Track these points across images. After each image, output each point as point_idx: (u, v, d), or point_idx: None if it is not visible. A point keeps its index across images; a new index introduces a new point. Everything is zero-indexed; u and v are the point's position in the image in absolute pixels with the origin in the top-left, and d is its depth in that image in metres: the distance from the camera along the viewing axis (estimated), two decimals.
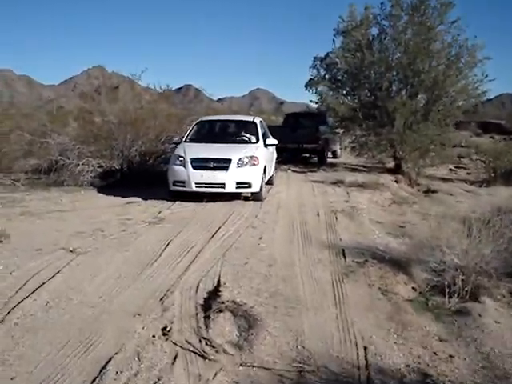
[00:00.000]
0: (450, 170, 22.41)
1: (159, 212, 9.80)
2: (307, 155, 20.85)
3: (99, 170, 13.97)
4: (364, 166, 19.43)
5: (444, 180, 18.58)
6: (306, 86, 19.03)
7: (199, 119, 13.94)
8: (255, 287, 5.70)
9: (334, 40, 17.77)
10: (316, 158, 20.47)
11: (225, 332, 4.63)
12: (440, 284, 6.29)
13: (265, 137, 12.81)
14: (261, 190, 11.24)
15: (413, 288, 6.47)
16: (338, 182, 14.44)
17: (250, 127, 12.86)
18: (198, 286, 5.69)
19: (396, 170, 18.21)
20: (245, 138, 12.53)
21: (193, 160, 10.96)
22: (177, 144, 12.33)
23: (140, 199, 11.26)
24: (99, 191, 12.70)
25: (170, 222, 8.93)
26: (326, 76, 18.76)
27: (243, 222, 9.01)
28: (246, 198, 11.38)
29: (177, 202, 10.81)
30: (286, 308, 5.21)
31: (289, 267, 6.55)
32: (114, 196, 11.81)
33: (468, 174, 21.22)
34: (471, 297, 6.06)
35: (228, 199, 11.12)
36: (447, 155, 17.98)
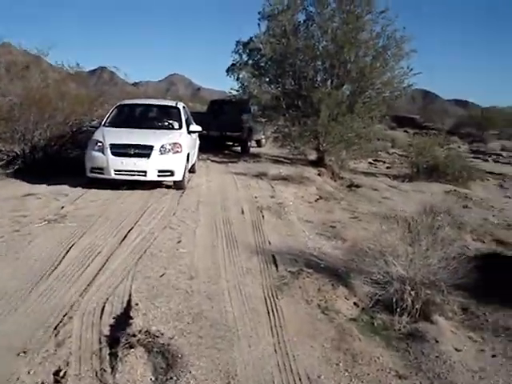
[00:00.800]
0: (370, 163, 22.15)
1: (62, 207, 8.53)
2: (230, 143, 20.25)
3: None
4: (286, 158, 18.69)
5: (366, 174, 18.17)
6: (228, 71, 18.03)
7: (119, 103, 13.06)
8: (175, 309, 4.67)
9: (258, 24, 16.80)
10: (239, 147, 19.94)
11: (136, 376, 3.61)
12: (384, 298, 5.54)
13: (188, 123, 12.31)
14: (183, 178, 10.81)
15: (355, 304, 5.72)
16: (261, 175, 13.56)
17: (173, 113, 12.40)
18: (103, 309, 4.60)
19: (319, 163, 17.57)
20: (167, 123, 12.07)
21: (112, 146, 10.32)
22: (96, 128, 11.54)
23: (42, 191, 9.90)
24: None
25: (75, 219, 7.70)
26: (249, 62, 17.80)
27: (160, 220, 7.92)
28: (167, 187, 10.60)
29: (83, 195, 9.59)
30: (214, 338, 4.23)
31: (213, 280, 5.57)
32: (12, 186, 10.39)
33: (388, 168, 21.01)
34: (421, 314, 5.34)
35: (147, 188, 10.26)
36: (370, 149, 17.49)
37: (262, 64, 17.65)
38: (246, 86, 17.14)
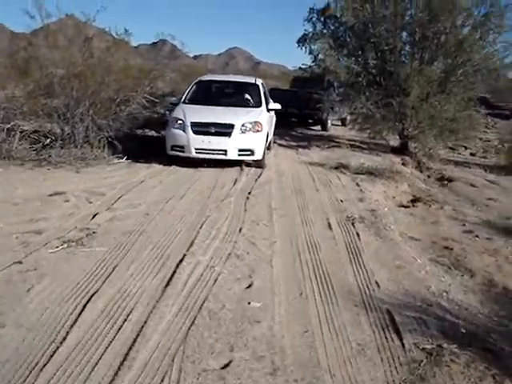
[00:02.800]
0: (451, 148, 19.41)
1: (94, 215, 6.50)
2: (310, 121, 19.71)
3: (33, 136, 10.65)
4: (363, 143, 16.35)
5: (455, 164, 15.57)
6: (299, 42, 15.79)
7: (198, 79, 12.86)
8: None
9: None
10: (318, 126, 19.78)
11: None
12: None
13: (267, 100, 12.10)
14: (263, 157, 10.71)
15: None
16: (340, 167, 11.29)
17: (252, 89, 12.18)
18: None
19: (402, 150, 15.18)
20: (247, 101, 11.89)
21: (193, 124, 10.30)
22: (174, 105, 11.56)
23: (74, 187, 7.97)
24: (26, 168, 9.34)
25: (106, 238, 5.61)
26: (324, 32, 15.44)
27: (221, 243, 5.76)
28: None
29: (125, 196, 7.60)
30: None
31: (310, 375, 3.40)
32: (40, 179, 8.50)
33: (472, 154, 18.19)
34: None
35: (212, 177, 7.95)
36: (469, 136, 14.85)
37: (340, 34, 15.26)
38: (322, 60, 14.80)
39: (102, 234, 5.76)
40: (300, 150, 13.89)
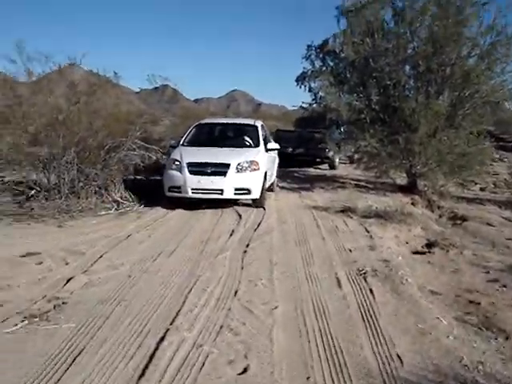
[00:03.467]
0: (460, 184, 18.52)
1: (67, 280, 5.64)
2: (318, 160, 19.81)
3: (17, 188, 9.99)
4: (368, 182, 15.57)
5: (467, 201, 14.71)
6: (298, 80, 15.18)
7: (198, 122, 13.05)
8: None
9: (338, 20, 13.74)
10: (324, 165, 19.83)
11: None
12: None
13: (266, 141, 12.12)
14: (261, 196, 10.63)
15: None
16: (347, 210, 10.47)
17: (251, 131, 12.21)
18: None
19: (410, 189, 14.37)
20: (245, 142, 11.90)
21: (189, 164, 10.34)
22: (174, 147, 11.56)
23: (52, 244, 7.14)
24: (5, 224, 8.55)
25: (74, 312, 4.70)
26: (323, 69, 14.82)
27: (212, 311, 4.86)
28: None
29: (107, 254, 6.76)
30: None
31: None
32: (19, 236, 7.69)
33: (482, 189, 17.28)
34: None
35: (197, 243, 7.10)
36: (481, 172, 14.01)
37: (341, 70, 14.63)
38: (322, 98, 14.14)
39: (73, 305, 4.90)
40: (303, 192, 13.10)
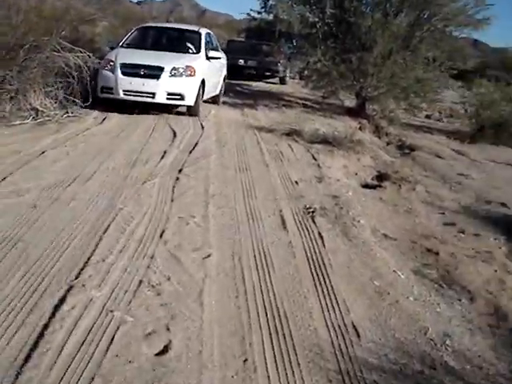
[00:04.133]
0: (405, 109, 17.85)
1: None
2: (268, 74, 19.14)
3: None
4: (315, 102, 14.73)
5: (415, 128, 14.13)
6: None
7: (140, 25, 12.90)
8: None
9: None
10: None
11: None
12: None
13: (209, 49, 11.76)
14: (196, 103, 10.43)
15: None
16: (293, 134, 9.62)
17: (194, 38, 11.82)
18: None
19: (358, 113, 13.61)
20: (186, 48, 11.51)
21: (122, 65, 10.09)
22: (112, 49, 11.26)
23: None
24: None
25: None
26: None
27: (129, 260, 3.92)
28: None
29: (11, 177, 5.67)
30: None
31: None
32: None
33: (427, 116, 16.71)
34: None
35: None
36: (432, 99, 13.29)
37: None
38: (273, 7, 12.92)
39: None
40: (246, 110, 12.13)
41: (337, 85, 12.98)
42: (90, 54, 10.25)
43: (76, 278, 3.55)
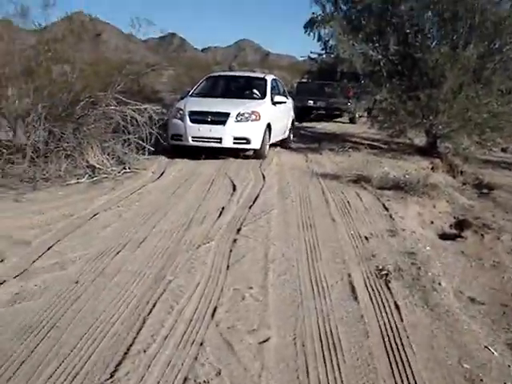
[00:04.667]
0: (477, 143, 16.77)
1: None
2: (337, 113, 19.43)
3: None
4: (382, 142, 14.06)
5: (493, 164, 13.16)
6: (306, 27, 13.40)
7: (208, 74, 13.63)
8: None
9: None
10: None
11: None
12: None
13: (274, 94, 12.11)
14: (262, 147, 10.73)
15: None
16: (361, 180, 9.00)
17: (260, 84, 12.25)
18: None
19: (429, 151, 12.84)
20: (252, 94, 12.01)
21: (191, 113, 10.63)
22: (182, 98, 11.95)
23: None
24: None
25: None
26: (335, 14, 13.07)
27: (175, 347, 3.37)
28: None
29: (57, 245, 5.30)
30: None
31: None
32: None
33: (503, 150, 15.57)
34: None
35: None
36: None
37: (355, 15, 12.90)
38: (333, 47, 12.46)
39: None
40: (310, 155, 11.60)
41: (405, 123, 12.29)
42: (148, 106, 10.04)
43: (110, 377, 3.04)
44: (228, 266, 4.87)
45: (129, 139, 9.29)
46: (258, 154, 10.69)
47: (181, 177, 8.86)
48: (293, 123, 13.90)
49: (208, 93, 12.11)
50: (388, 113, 12.47)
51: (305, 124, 17.35)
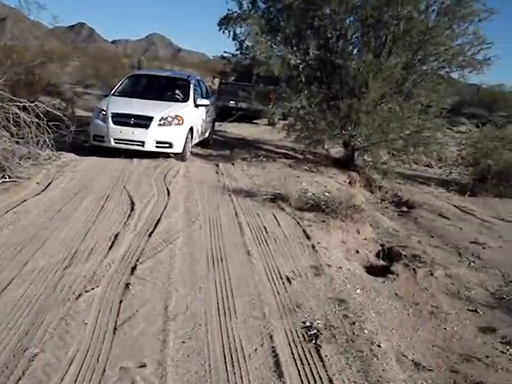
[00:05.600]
0: (393, 155, 16.34)
1: None
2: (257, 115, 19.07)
3: None
4: (297, 151, 13.24)
5: (410, 179, 12.69)
6: (220, 24, 12.33)
7: (131, 73, 13.87)
8: None
9: None
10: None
11: None
12: None
13: (197, 96, 12.16)
14: (184, 150, 10.71)
15: None
16: (277, 198, 8.03)
17: (183, 85, 12.22)
18: None
19: (346, 163, 12.14)
20: (175, 95, 11.99)
21: (114, 115, 10.43)
22: (105, 96, 11.93)
23: None
24: None
25: None
26: (252, 12, 12.07)
27: None
28: None
29: None
30: None
31: None
32: None
33: (427, 166, 15.27)
34: None
35: None
36: (433, 150, 11.72)
37: (274, 15, 11.96)
38: (250, 48, 11.46)
39: None
40: (221, 165, 10.54)
41: (323, 134, 11.49)
42: (38, 103, 8.68)
43: None
44: (115, 329, 3.72)
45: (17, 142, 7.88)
46: (179, 157, 10.60)
47: (70, 189, 7.52)
48: (213, 123, 14.18)
49: (131, 92, 11.84)
50: (306, 122, 11.63)
51: (218, 127, 16.23)
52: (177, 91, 12.07)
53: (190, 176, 9.20)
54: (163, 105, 10.98)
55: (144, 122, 10.28)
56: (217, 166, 10.52)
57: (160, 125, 10.36)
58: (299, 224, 6.98)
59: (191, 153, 11.49)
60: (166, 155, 10.47)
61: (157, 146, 10.32)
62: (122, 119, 10.32)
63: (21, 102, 8.08)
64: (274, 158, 12.04)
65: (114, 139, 10.24)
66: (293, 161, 11.99)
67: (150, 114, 10.37)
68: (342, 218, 7.56)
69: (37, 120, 8.68)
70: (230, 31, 12.21)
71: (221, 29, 12.30)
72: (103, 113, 10.49)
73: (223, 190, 8.42)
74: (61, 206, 6.65)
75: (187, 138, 10.74)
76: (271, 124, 17.91)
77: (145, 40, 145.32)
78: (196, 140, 11.79)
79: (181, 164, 10.08)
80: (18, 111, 8.00)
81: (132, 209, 6.73)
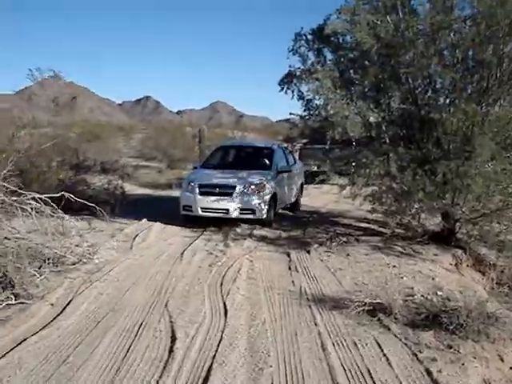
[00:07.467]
0: None
1: None
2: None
3: None
4: (379, 223, 10.94)
5: None
6: (282, 83, 10.54)
7: (219, 144, 14.61)
8: None
9: None
10: None
11: None
12: None
13: (281, 163, 12.64)
14: (267, 216, 11.01)
15: None
16: (376, 309, 5.77)
17: (267, 154, 12.65)
18: None
19: (446, 237, 9.73)
20: (258, 164, 12.27)
21: (200, 186, 11.13)
22: (194, 169, 12.89)
23: None
24: None
25: None
26: (321, 64, 10.13)
27: None
28: None
29: None
30: None
31: None
32: None
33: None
34: None
35: None
36: None
37: (346, 66, 9.97)
38: (321, 106, 9.45)
39: None
40: (293, 254, 8.40)
41: (420, 206, 9.20)
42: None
43: None
44: None
45: None
46: (263, 223, 10.98)
47: (93, 314, 5.53)
48: (302, 186, 14.52)
49: (217, 163, 12.63)
50: (396, 193, 9.37)
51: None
52: (260, 160, 12.43)
53: (255, 276, 7.09)
54: (247, 174, 11.51)
55: (228, 191, 10.90)
56: (288, 255, 8.38)
57: (243, 193, 10.86)
58: (417, 357, 4.69)
59: (255, 236, 9.54)
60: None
61: (241, 213, 10.82)
62: (207, 189, 11.02)
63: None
64: (357, 236, 9.81)
65: (201, 208, 10.92)
66: (380, 239, 9.72)
67: (233, 184, 11.00)
68: (474, 336, 5.22)
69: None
70: (293, 90, 10.34)
71: (282, 88, 10.47)
72: (191, 184, 11.23)
73: (300, 299, 6.22)
74: (71, 350, 4.61)
75: (270, 204, 11.06)
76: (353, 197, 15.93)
77: (209, 108, 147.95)
78: (281, 206, 12.11)
79: (243, 258, 7.98)
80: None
81: (171, 350, 4.60)
